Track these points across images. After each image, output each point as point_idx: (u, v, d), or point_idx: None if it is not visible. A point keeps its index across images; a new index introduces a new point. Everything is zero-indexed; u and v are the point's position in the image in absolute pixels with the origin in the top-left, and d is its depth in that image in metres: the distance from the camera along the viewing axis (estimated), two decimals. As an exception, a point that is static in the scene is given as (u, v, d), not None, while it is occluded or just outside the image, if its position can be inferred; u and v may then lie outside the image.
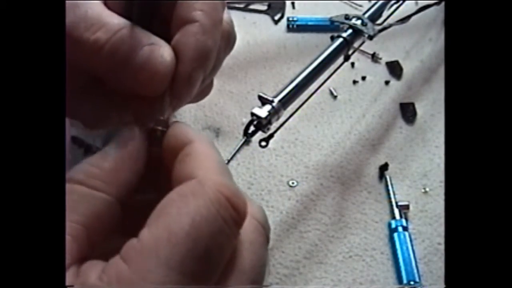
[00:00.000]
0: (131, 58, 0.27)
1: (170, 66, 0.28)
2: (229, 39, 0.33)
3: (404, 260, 0.46)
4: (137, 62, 0.27)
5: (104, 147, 0.27)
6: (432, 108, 0.58)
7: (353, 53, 0.48)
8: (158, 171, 0.28)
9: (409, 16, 0.53)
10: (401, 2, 0.54)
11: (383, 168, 0.52)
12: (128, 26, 0.27)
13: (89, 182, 0.25)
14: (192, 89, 0.29)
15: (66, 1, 0.26)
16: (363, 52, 0.63)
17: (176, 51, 0.28)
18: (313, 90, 0.44)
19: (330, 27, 0.65)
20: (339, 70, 0.47)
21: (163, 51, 0.28)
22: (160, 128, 0.29)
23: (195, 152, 0.26)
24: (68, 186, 0.24)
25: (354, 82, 0.61)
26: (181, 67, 0.28)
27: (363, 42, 0.49)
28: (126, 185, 0.26)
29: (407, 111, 0.58)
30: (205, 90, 0.37)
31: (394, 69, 0.62)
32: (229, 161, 0.53)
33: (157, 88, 0.28)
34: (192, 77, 0.28)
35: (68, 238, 0.23)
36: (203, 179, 0.23)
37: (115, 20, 0.27)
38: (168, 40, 0.29)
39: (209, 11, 0.29)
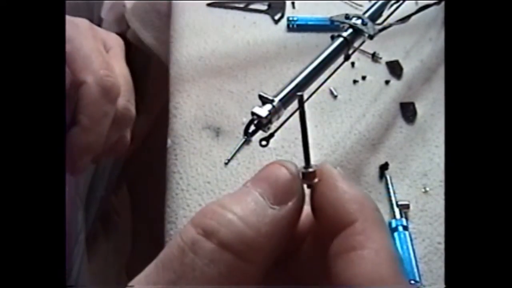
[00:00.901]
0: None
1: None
2: (122, 120, 0.44)
3: (404, 259, 0.46)
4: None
5: (256, 194, 0.21)
6: (432, 107, 0.58)
7: (353, 52, 0.48)
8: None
9: (409, 16, 0.53)
10: (401, 2, 0.54)
11: (383, 167, 0.52)
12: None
13: (242, 252, 0.19)
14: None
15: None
16: (363, 51, 0.63)
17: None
18: (313, 90, 0.44)
19: (330, 26, 0.65)
20: (339, 70, 0.47)
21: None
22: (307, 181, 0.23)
23: (368, 249, 0.20)
24: (213, 250, 0.19)
25: (354, 81, 0.61)
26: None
27: (363, 42, 0.49)
28: (277, 252, 0.21)
29: (407, 111, 0.58)
30: (118, 147, 0.49)
31: (394, 68, 0.62)
32: (229, 161, 0.53)
33: None
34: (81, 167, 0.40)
35: None
36: None
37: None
38: None
39: (90, 112, 0.38)
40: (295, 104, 0.43)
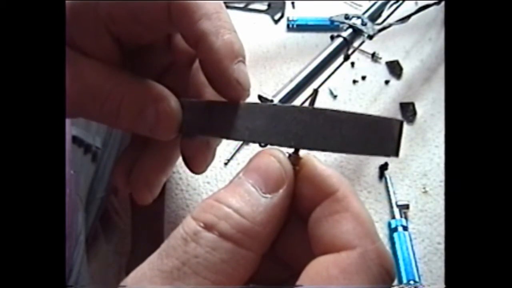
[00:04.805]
0: (141, 119, 0.27)
1: (178, 112, 0.27)
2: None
3: (404, 259, 0.46)
4: (149, 122, 0.27)
5: (249, 185, 0.22)
6: (432, 107, 0.58)
7: (353, 52, 0.48)
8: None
9: (409, 16, 0.53)
10: (401, 2, 0.54)
11: (383, 167, 0.52)
12: (127, 89, 0.27)
13: (241, 241, 0.21)
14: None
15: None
16: (363, 51, 0.63)
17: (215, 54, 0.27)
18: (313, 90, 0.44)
19: (330, 26, 0.65)
20: (339, 70, 0.47)
21: (169, 103, 0.27)
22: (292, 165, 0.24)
23: (350, 211, 0.22)
24: (214, 239, 0.21)
25: (354, 81, 0.61)
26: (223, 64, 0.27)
27: (363, 42, 0.49)
28: (273, 237, 0.22)
29: (407, 111, 0.58)
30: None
31: (394, 68, 0.62)
32: (228, 161, 0.53)
33: (173, 131, 0.27)
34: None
35: None
36: (365, 251, 0.20)
37: (115, 89, 0.27)
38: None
39: (214, 14, 0.27)
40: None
